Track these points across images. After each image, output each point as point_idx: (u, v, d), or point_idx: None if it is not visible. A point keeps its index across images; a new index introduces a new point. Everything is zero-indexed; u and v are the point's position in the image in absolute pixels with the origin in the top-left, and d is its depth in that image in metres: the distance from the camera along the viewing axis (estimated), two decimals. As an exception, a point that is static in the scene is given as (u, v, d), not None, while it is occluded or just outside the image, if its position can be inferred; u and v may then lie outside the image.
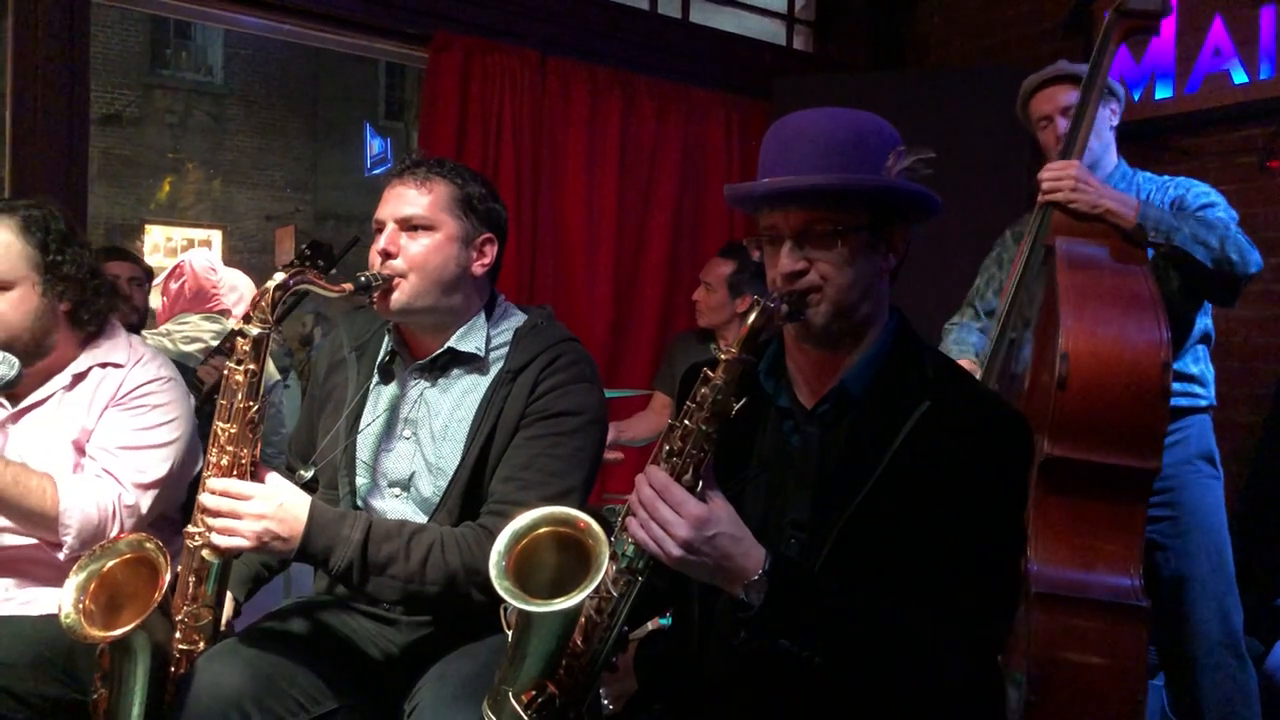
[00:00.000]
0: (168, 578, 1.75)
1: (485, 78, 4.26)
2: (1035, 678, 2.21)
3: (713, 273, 3.74)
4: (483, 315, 2.08)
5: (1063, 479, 2.33)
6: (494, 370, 2.04)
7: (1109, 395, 2.30)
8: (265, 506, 1.79)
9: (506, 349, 2.05)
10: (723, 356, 1.46)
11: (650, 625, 2.08)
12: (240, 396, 1.82)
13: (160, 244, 14.79)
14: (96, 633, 1.71)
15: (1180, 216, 2.51)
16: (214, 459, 1.83)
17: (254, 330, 1.82)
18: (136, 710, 1.78)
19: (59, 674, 1.99)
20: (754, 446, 1.67)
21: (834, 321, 1.58)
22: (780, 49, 5.25)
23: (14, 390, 2.18)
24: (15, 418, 2.21)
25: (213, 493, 1.80)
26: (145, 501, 2.17)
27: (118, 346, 2.30)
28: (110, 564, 1.80)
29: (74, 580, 1.76)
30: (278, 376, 4.66)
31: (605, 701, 2.10)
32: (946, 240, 3.13)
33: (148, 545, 1.81)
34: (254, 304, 1.84)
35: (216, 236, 15.18)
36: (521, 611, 1.47)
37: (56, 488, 2.09)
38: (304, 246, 3.07)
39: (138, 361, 2.28)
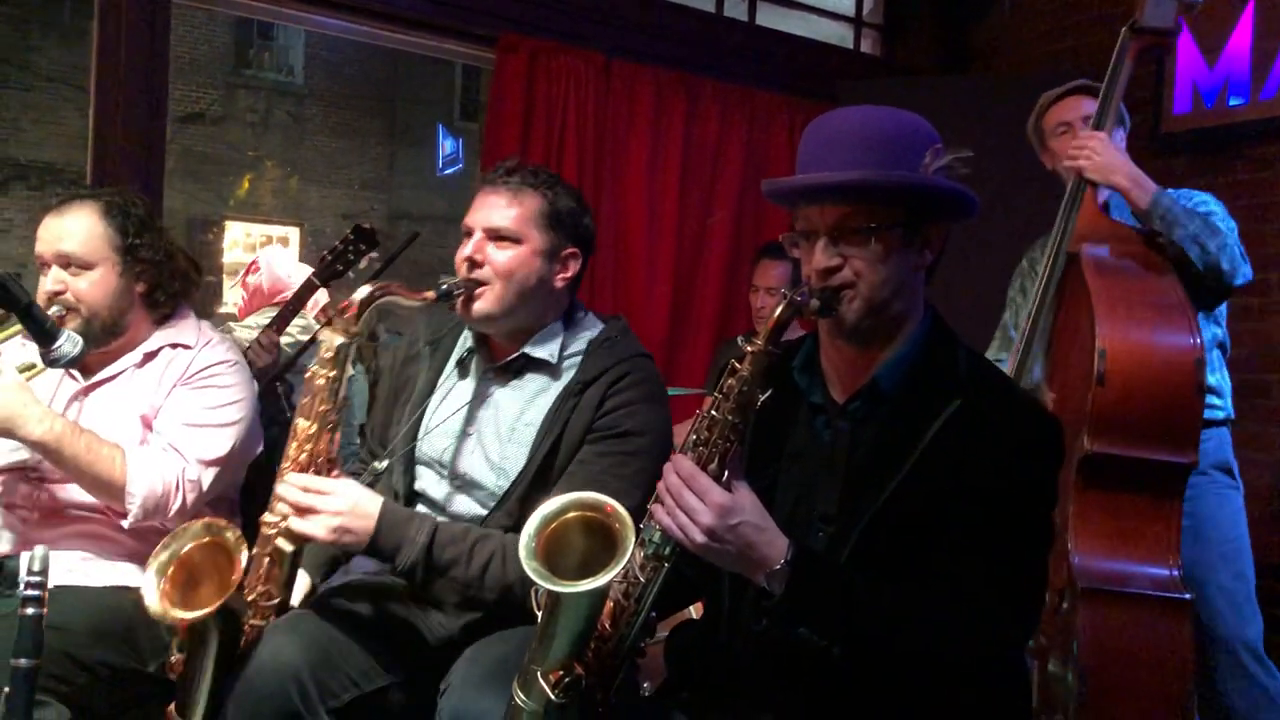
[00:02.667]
0: (243, 567, 1.82)
1: (550, 80, 4.32)
2: (1085, 674, 2.23)
3: (769, 276, 3.73)
4: (560, 324, 2.13)
5: (1102, 475, 2.36)
6: (565, 378, 2.08)
7: (1147, 390, 2.35)
8: (341, 503, 1.87)
9: (579, 359, 2.09)
10: (749, 349, 1.49)
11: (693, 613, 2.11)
12: (320, 400, 1.93)
13: (239, 239, 15.14)
14: (179, 614, 1.78)
15: (1189, 215, 2.53)
16: (292, 454, 1.94)
17: (337, 339, 1.92)
18: (210, 673, 1.85)
19: (119, 643, 2.07)
20: (787, 441, 1.69)
21: (866, 318, 1.59)
22: (847, 52, 5.24)
23: (85, 363, 2.27)
24: (88, 391, 2.31)
25: (293, 486, 1.88)
26: (207, 478, 2.25)
27: (188, 329, 2.39)
28: (188, 547, 1.87)
29: (154, 564, 1.83)
30: (351, 370, 4.75)
31: (645, 684, 2.13)
32: (1015, 247, 3.12)
33: (226, 533, 1.87)
34: (340, 313, 1.93)
35: (294, 233, 15.50)
36: (550, 592, 1.51)
37: (125, 459, 2.18)
38: (349, 232, 3.15)
39: (206, 344, 2.37)
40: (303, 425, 1.93)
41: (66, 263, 2.24)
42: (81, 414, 2.29)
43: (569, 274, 2.11)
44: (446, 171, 15.88)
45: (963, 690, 1.51)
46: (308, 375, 1.94)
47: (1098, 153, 2.58)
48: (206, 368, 2.33)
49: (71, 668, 1.99)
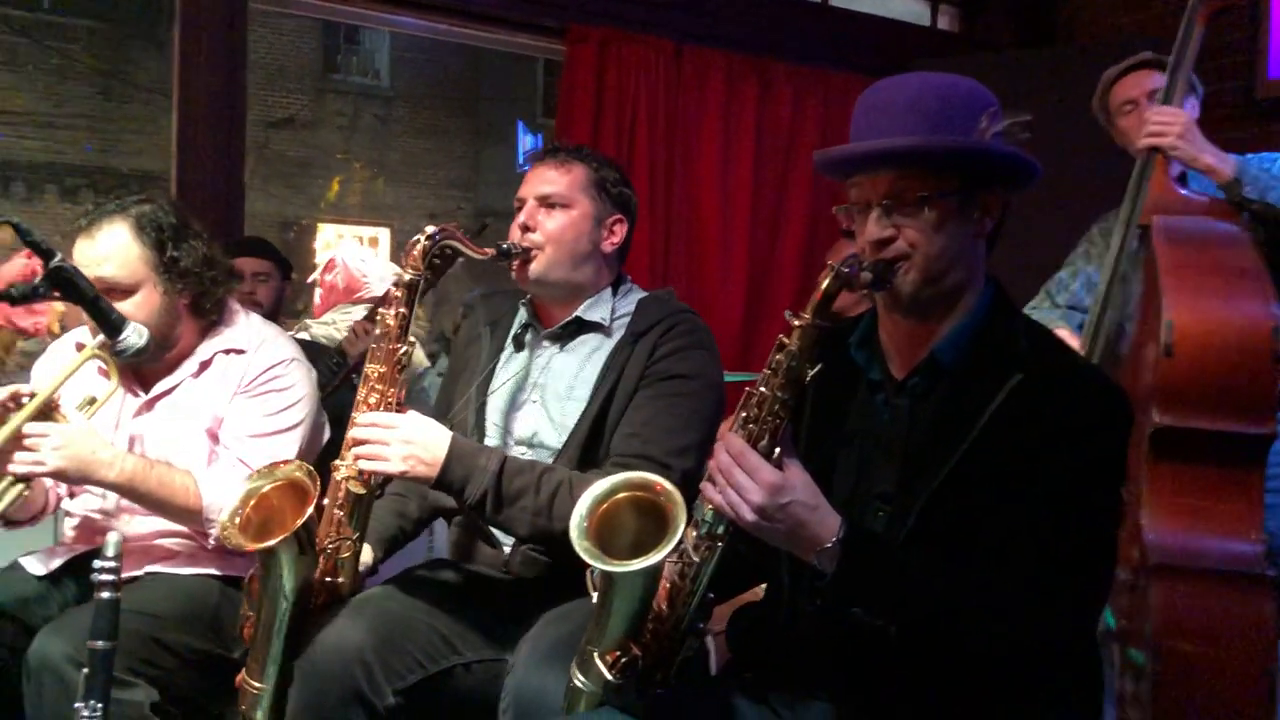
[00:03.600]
0: (313, 504, 1.85)
1: (620, 69, 4.32)
2: (1159, 653, 2.16)
3: (843, 255, 3.68)
4: (610, 290, 2.22)
5: (1175, 449, 2.29)
6: (617, 335, 2.16)
7: (1217, 360, 2.27)
8: (409, 434, 1.93)
9: (629, 318, 2.18)
10: (795, 323, 1.47)
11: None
12: (391, 339, 1.98)
13: (332, 241, 15.44)
14: (244, 541, 1.83)
15: (1277, 179, 2.45)
16: (362, 397, 1.98)
17: (407, 276, 1.99)
18: (282, 634, 1.89)
19: (205, 629, 2.12)
20: (846, 419, 1.66)
21: (923, 289, 1.56)
22: (923, 29, 5.14)
23: (144, 378, 2.30)
24: (149, 405, 2.29)
25: (361, 425, 1.94)
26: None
27: (239, 331, 2.36)
28: (268, 487, 1.92)
29: (236, 495, 1.91)
30: (427, 363, 4.83)
31: (713, 655, 2.13)
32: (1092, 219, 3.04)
33: (299, 474, 1.93)
34: (407, 253, 2.00)
35: (384, 234, 15.78)
36: (604, 573, 1.51)
37: (197, 484, 2.19)
38: (424, 239, 3.18)
39: (259, 346, 2.33)
40: (373, 368, 1.98)
41: (108, 289, 2.14)
42: (145, 430, 2.28)
43: (616, 239, 2.21)
44: (527, 168, 15.98)
45: (1027, 672, 1.46)
46: (379, 317, 2.00)
47: (1180, 132, 2.51)
48: (262, 373, 2.30)
49: (159, 651, 2.04)
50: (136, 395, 2.31)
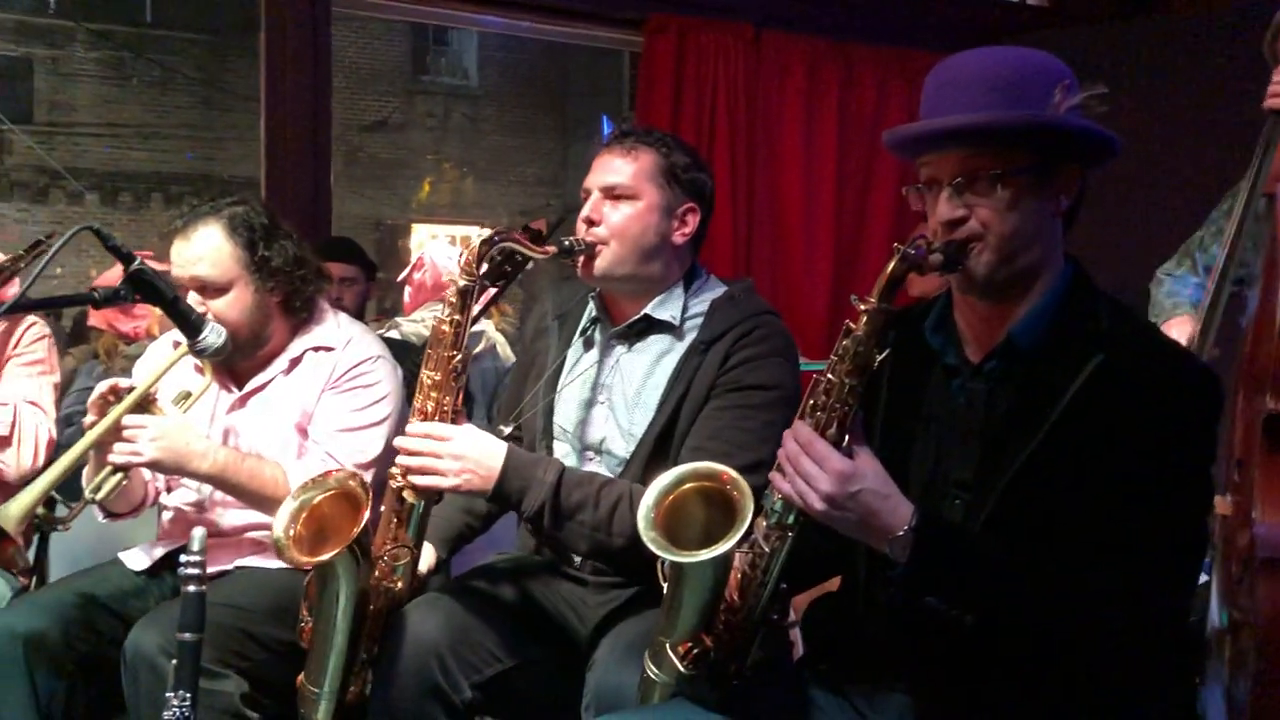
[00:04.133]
0: (367, 513, 1.86)
1: (699, 58, 4.29)
2: (1264, 648, 2.04)
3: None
4: (681, 285, 2.11)
5: None
6: (688, 339, 2.06)
7: None
8: (463, 448, 1.89)
9: (702, 319, 2.07)
10: (861, 307, 1.43)
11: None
12: (446, 346, 1.94)
13: (425, 241, 15.71)
14: (302, 556, 1.85)
15: None
16: (418, 404, 1.96)
17: (461, 282, 1.95)
18: (339, 639, 1.91)
19: (294, 620, 2.14)
20: (923, 405, 1.63)
21: (997, 271, 1.51)
22: (1011, 5, 5.00)
23: (236, 375, 2.37)
24: (242, 402, 2.36)
25: (414, 435, 1.91)
26: (367, 478, 2.32)
27: (328, 329, 2.40)
28: (320, 498, 1.94)
29: (287, 507, 1.91)
30: (513, 358, 4.88)
31: (799, 646, 2.10)
32: (1208, 197, 2.92)
33: (352, 483, 1.94)
34: (464, 258, 1.97)
35: (474, 232, 15.97)
36: (673, 564, 1.50)
37: (287, 476, 2.24)
38: (521, 230, 3.20)
39: (347, 343, 2.37)
40: (429, 375, 1.94)
41: (202, 287, 2.22)
42: (239, 424, 2.35)
43: (688, 230, 2.09)
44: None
45: (1113, 663, 1.41)
46: (434, 324, 1.97)
47: None
48: (351, 369, 2.34)
49: (250, 643, 2.09)
50: (230, 391, 2.37)
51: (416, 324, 4.16)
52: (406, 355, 3.08)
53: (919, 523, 1.40)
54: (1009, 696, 1.45)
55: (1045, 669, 1.42)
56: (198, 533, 1.70)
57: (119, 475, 2.17)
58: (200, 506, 2.35)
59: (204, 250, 2.23)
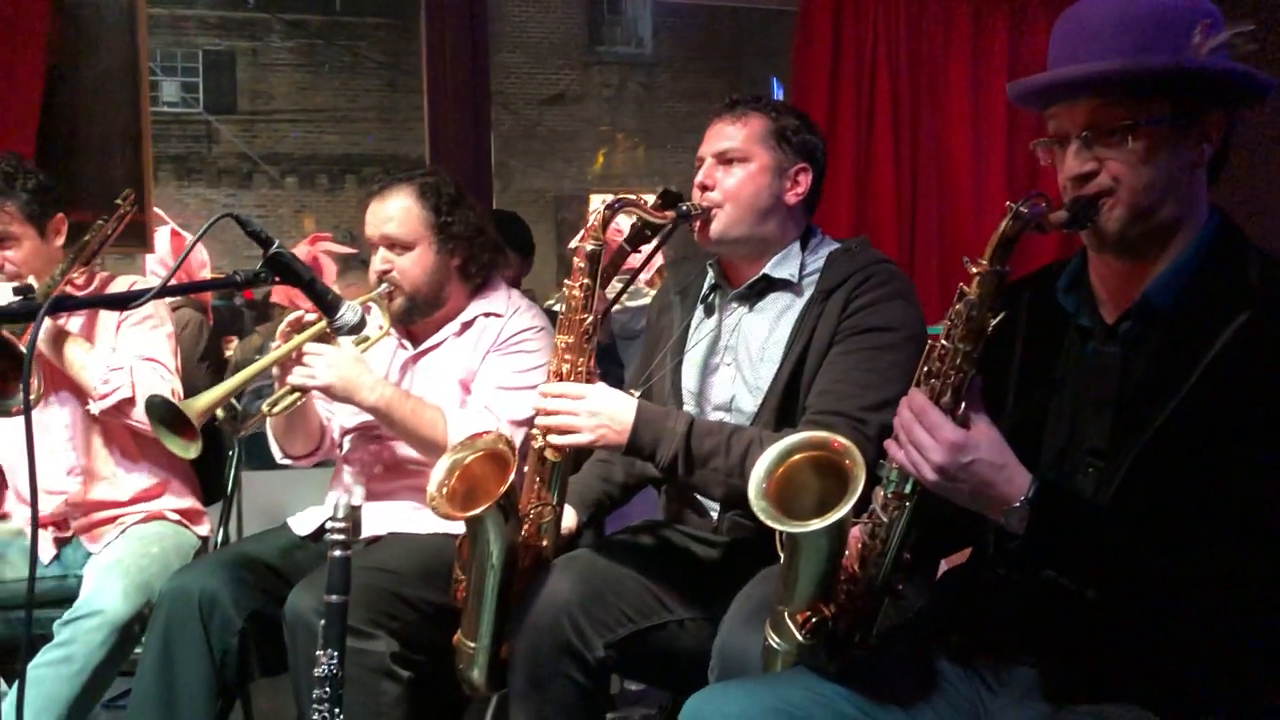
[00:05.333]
0: (514, 473, 1.93)
1: (858, 15, 4.17)
2: None
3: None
4: (798, 244, 2.14)
5: None
6: (808, 294, 2.09)
7: None
8: (596, 404, 1.96)
9: (819, 274, 2.09)
10: (973, 269, 1.37)
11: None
12: (576, 309, 2.01)
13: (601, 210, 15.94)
14: (452, 511, 1.93)
15: None
16: (553, 367, 2.03)
17: (588, 247, 2.01)
18: (491, 595, 1.98)
19: (442, 584, 2.22)
20: (1057, 370, 1.55)
21: (1131, 227, 1.43)
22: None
23: (413, 334, 2.53)
24: (416, 359, 2.54)
25: (549, 395, 1.99)
26: (519, 436, 2.39)
27: (499, 298, 2.55)
28: (470, 458, 2.01)
29: (442, 466, 2.00)
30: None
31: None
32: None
33: (501, 445, 2.01)
34: (587, 224, 2.03)
35: (650, 200, 16.07)
36: (788, 534, 1.48)
37: (446, 420, 2.37)
38: (657, 196, 3.21)
39: (514, 312, 2.52)
40: (561, 338, 2.02)
41: (391, 244, 2.44)
42: (412, 379, 2.52)
43: (801, 190, 2.12)
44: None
45: (1251, 642, 1.32)
46: (565, 289, 2.03)
47: None
48: (515, 334, 2.48)
49: (400, 605, 2.18)
50: (406, 348, 2.55)
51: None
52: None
53: (1036, 494, 1.34)
54: (1138, 672, 1.38)
55: (1174, 647, 1.35)
56: (341, 500, 1.78)
57: (295, 396, 2.34)
58: (369, 432, 2.49)
59: (395, 211, 2.44)
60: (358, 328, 1.87)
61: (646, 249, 2.98)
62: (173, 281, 1.68)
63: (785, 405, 2.02)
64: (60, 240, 2.62)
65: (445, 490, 1.96)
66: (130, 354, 2.54)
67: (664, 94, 16.67)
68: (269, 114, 15.67)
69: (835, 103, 4.17)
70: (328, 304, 1.81)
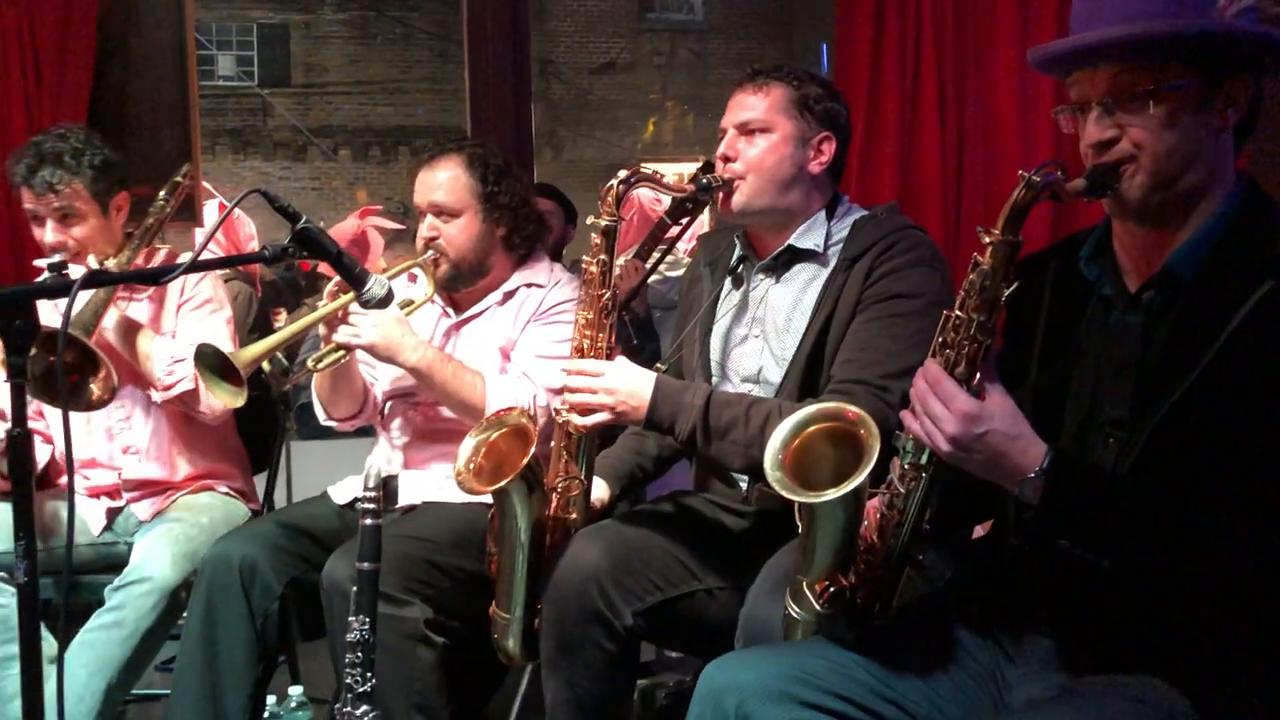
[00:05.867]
0: (535, 446, 1.96)
1: (902, -23, 4.10)
2: None
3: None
4: (823, 214, 2.13)
5: None
6: (833, 262, 2.08)
7: None
8: (614, 380, 1.99)
9: (844, 242, 2.09)
10: (986, 239, 1.36)
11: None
12: (595, 285, 2.04)
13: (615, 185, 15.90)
14: (478, 486, 1.98)
15: None
16: (574, 343, 2.07)
17: (602, 223, 2.03)
18: (521, 568, 2.03)
19: (475, 552, 2.27)
20: (1079, 340, 1.54)
21: (1153, 194, 1.41)
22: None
23: (456, 301, 2.58)
24: (459, 326, 2.58)
25: (569, 372, 2.02)
26: (556, 403, 2.42)
27: (541, 269, 2.59)
28: (495, 435, 2.06)
29: (468, 444, 2.05)
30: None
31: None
32: None
33: (524, 420, 2.05)
34: (601, 199, 2.04)
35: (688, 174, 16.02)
36: (804, 504, 1.49)
37: (485, 384, 2.41)
38: (698, 168, 3.20)
39: (556, 283, 2.56)
40: (581, 314, 2.05)
41: (438, 211, 2.48)
42: (454, 345, 2.57)
43: (825, 159, 2.10)
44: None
45: (1263, 613, 1.31)
46: (583, 266, 2.06)
47: None
48: (555, 305, 2.52)
49: (434, 573, 2.23)
50: (449, 316, 2.60)
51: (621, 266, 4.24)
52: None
53: (1050, 465, 1.33)
54: (1154, 643, 1.37)
55: (1191, 619, 1.34)
56: (373, 471, 1.83)
57: (339, 354, 2.38)
58: (408, 398, 2.54)
59: (443, 179, 2.48)
60: (385, 301, 1.90)
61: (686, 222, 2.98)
62: (212, 256, 1.73)
63: (810, 375, 2.02)
64: (122, 217, 2.64)
65: (472, 466, 2.00)
66: (190, 341, 2.54)
67: (715, 60, 16.55)
68: (322, 87, 15.82)
69: (878, 69, 4.10)
70: (355, 277, 1.84)
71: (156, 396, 2.56)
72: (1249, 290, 1.35)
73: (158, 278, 1.66)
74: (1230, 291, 1.37)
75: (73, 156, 2.51)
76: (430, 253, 2.48)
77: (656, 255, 3.63)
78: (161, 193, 2.74)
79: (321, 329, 2.37)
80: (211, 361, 2.25)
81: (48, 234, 2.52)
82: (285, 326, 2.35)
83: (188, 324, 2.64)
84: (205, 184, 3.83)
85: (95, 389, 2.41)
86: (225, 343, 2.61)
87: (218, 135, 15.42)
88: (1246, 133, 1.45)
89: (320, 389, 2.55)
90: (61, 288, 1.49)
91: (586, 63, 15.88)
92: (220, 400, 2.33)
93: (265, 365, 2.34)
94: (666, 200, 4.60)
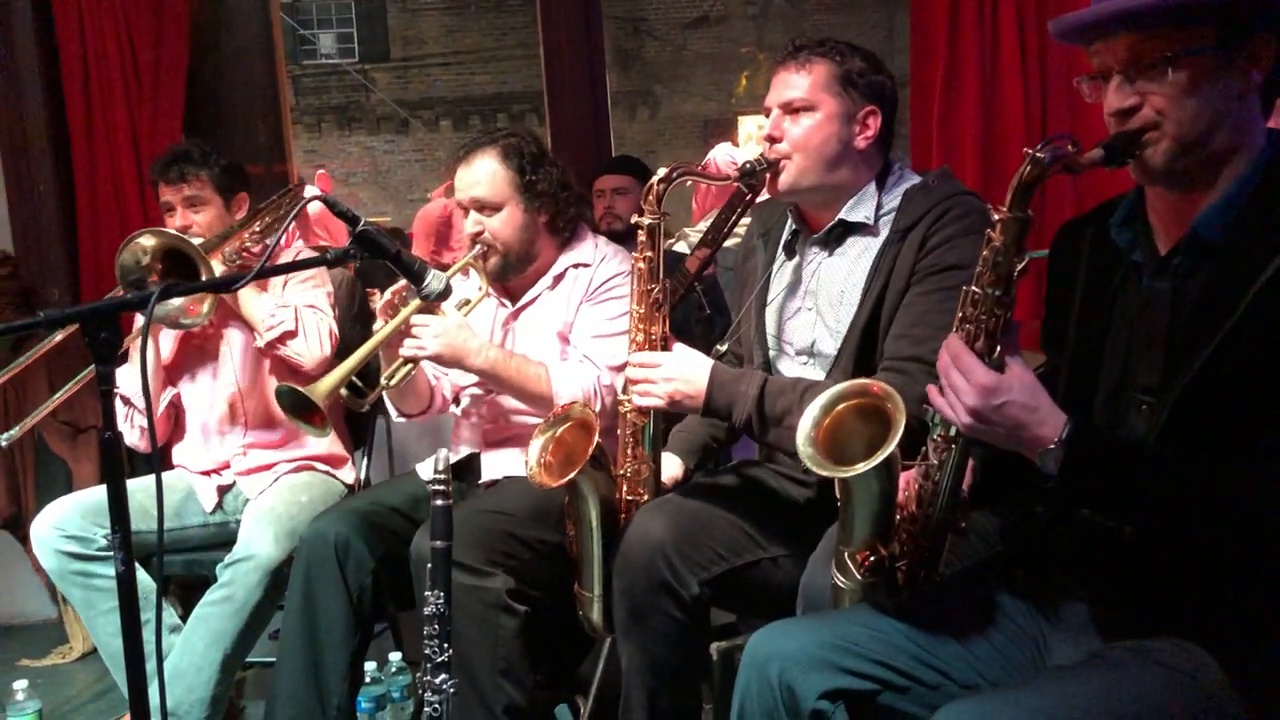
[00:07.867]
0: (598, 437, 2.06)
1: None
2: None
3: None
4: (873, 185, 2.13)
5: None
6: (884, 233, 2.09)
7: None
8: (671, 371, 2.05)
9: (895, 212, 2.09)
10: (996, 216, 1.38)
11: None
12: (644, 280, 2.10)
13: (753, 133, 15.71)
14: (550, 480, 2.08)
15: None
16: (632, 335, 2.14)
17: (646, 221, 2.08)
18: (595, 548, 2.14)
19: (553, 523, 2.37)
20: (1112, 307, 1.55)
21: (1177, 160, 1.41)
22: None
23: (510, 291, 2.65)
24: (515, 315, 2.65)
25: (631, 364, 2.10)
26: (619, 381, 2.49)
27: (586, 248, 2.64)
28: (561, 430, 2.16)
29: (537, 441, 2.15)
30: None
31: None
32: None
33: (586, 412, 2.14)
34: (644, 198, 2.09)
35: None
36: (839, 479, 1.54)
37: (549, 374, 2.49)
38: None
39: (601, 260, 2.61)
40: (634, 309, 2.11)
41: (480, 206, 2.54)
42: (514, 336, 2.64)
43: (871, 133, 2.10)
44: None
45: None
46: (634, 261, 2.11)
47: None
48: (604, 282, 2.58)
49: (515, 545, 2.34)
50: (505, 306, 2.68)
51: (698, 234, 4.25)
52: (671, 270, 3.18)
53: (1070, 435, 1.35)
54: (1184, 606, 1.39)
55: (1213, 580, 1.35)
56: (441, 453, 1.93)
57: (408, 366, 2.49)
58: (482, 386, 2.64)
59: (481, 174, 2.53)
60: (444, 294, 1.99)
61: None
62: (310, 251, 1.81)
63: (865, 348, 2.04)
64: (241, 216, 2.90)
65: (543, 463, 2.11)
66: (295, 302, 2.81)
67: (811, 6, 16.25)
68: (421, 59, 16.05)
69: (956, 20, 4.03)
70: (414, 274, 1.94)
71: (259, 341, 2.76)
72: (1276, 251, 1.34)
73: (229, 285, 1.79)
74: (1258, 253, 1.36)
75: (201, 155, 2.84)
76: (478, 248, 2.55)
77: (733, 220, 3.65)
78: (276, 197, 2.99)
79: (385, 351, 2.45)
80: (291, 400, 2.37)
81: (176, 220, 2.83)
82: (353, 354, 2.41)
83: (294, 293, 2.87)
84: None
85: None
86: (326, 309, 2.85)
87: (323, 113, 15.82)
88: (1273, 93, 1.43)
89: (389, 392, 2.63)
90: (142, 300, 1.61)
91: (679, 18, 15.77)
92: (310, 434, 2.50)
93: (342, 392, 2.42)
94: (742, 159, 4.63)
